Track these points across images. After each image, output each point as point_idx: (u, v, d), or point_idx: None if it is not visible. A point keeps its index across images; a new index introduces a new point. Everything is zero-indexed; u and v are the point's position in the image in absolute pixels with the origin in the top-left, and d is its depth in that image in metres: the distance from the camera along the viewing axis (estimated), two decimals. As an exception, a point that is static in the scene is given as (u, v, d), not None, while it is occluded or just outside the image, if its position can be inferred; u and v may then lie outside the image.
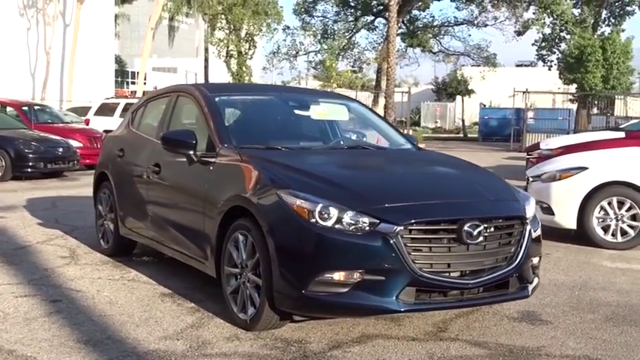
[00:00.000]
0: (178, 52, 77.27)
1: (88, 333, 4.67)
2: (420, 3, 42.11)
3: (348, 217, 4.28)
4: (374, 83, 44.81)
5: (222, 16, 42.91)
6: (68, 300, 5.47)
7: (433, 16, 44.61)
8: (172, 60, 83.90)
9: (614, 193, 8.09)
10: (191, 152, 5.40)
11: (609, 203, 8.08)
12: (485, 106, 43.94)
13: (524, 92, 33.48)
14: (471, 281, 4.44)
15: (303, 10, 44.88)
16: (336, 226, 4.28)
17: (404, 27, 43.76)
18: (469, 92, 50.65)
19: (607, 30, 38.10)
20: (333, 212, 4.29)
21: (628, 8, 38.20)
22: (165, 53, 78.44)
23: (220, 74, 60.21)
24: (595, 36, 36.33)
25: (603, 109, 34.14)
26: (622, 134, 11.17)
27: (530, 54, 52.48)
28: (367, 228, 4.26)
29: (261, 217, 4.53)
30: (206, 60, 45.80)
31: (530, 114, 34.19)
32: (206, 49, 46.07)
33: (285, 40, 45.83)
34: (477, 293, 4.52)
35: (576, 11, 38.65)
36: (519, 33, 41.90)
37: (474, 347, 4.51)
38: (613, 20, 38.75)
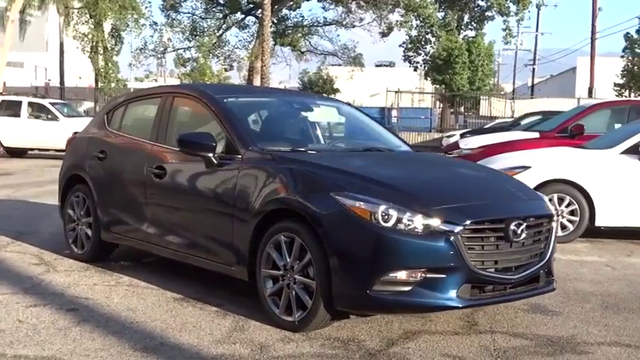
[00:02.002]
0: (25, 46, 73.68)
1: (137, 340, 4.57)
2: (291, 2, 42.48)
3: (408, 218, 4.45)
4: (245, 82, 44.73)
5: (85, 10, 41.29)
6: (84, 309, 5.29)
7: (302, 16, 45.13)
8: (19, 54, 79.84)
9: (555, 190, 8.68)
10: (211, 155, 5.36)
11: (550, 200, 8.61)
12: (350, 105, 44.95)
13: (396, 92, 34.68)
14: (514, 277, 4.73)
15: (169, 6, 44.02)
16: (398, 226, 4.43)
17: (273, 26, 44.00)
18: (335, 91, 51.70)
19: (470, 33, 40.14)
20: (394, 213, 4.44)
21: (487, 13, 40.35)
22: (10, 47, 74.45)
23: (75, 70, 57.98)
24: (460, 39, 38.17)
25: (470, 108, 36.00)
26: (536, 134, 11.91)
27: (392, 55, 54.25)
28: (429, 228, 4.44)
29: (315, 220, 4.60)
30: (62, 55, 43.73)
31: (395, 113, 35.53)
32: (61, 44, 44.01)
33: (152, 37, 44.58)
34: (516, 288, 4.81)
35: (440, 14, 40.40)
36: (384, 34, 43.20)
37: (516, 339, 4.80)
38: (474, 24, 40.84)
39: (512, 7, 38.44)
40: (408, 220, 4.44)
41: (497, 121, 28.96)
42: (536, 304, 5.68)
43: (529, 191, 5.33)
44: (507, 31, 39.11)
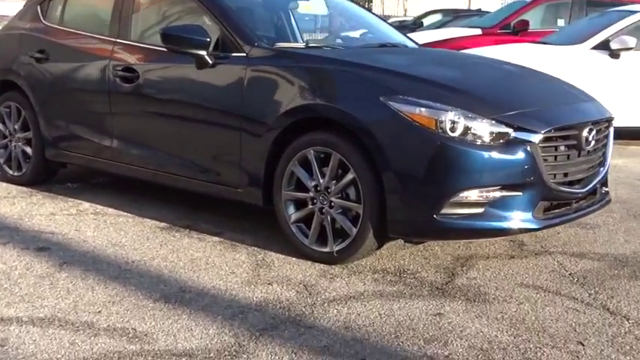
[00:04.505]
0: None
1: (148, 287, 3.68)
2: None
3: (479, 125, 3.69)
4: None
5: None
6: (57, 247, 4.30)
7: None
8: None
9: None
10: (204, 53, 4.36)
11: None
12: None
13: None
14: (581, 190, 4.12)
15: None
16: (468, 137, 3.67)
17: None
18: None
19: None
20: (463, 121, 3.67)
21: None
22: None
23: None
24: None
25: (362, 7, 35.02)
26: (478, 31, 11.31)
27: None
28: (504, 138, 3.71)
29: (363, 132, 3.77)
30: None
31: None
32: None
33: None
34: (580, 203, 4.20)
35: None
36: None
37: (582, 260, 4.23)
38: None
39: None
40: (480, 128, 3.68)
41: (391, 20, 28.34)
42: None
43: (582, 91, 4.66)
44: None
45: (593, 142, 4.08)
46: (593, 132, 4.06)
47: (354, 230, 3.88)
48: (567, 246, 4.44)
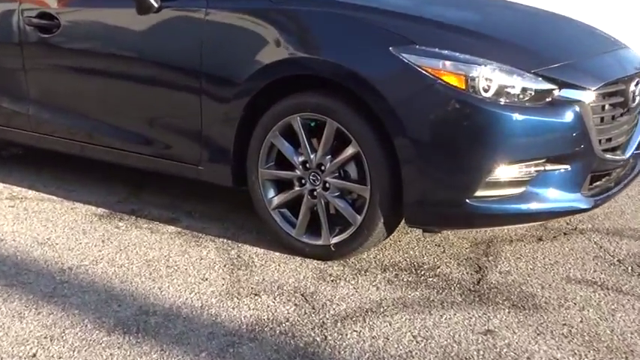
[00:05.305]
0: None
1: (98, 310, 2.74)
2: None
3: (520, 82, 2.88)
4: None
5: None
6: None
7: None
8: None
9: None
10: (148, -7, 3.38)
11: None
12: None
13: None
14: (623, 156, 3.38)
15: None
16: (505, 97, 2.86)
17: None
18: None
19: None
20: (499, 77, 2.84)
21: None
22: None
23: None
24: None
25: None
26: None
27: None
28: (549, 97, 2.91)
29: (369, 92, 2.90)
30: None
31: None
32: None
33: None
34: (618, 172, 3.48)
35: None
36: None
37: (622, 240, 3.54)
38: None
39: None
40: (521, 86, 2.86)
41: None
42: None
43: (614, 37, 3.89)
44: None
45: (638, 99, 3.33)
46: (639, 86, 3.31)
47: (359, 218, 3.04)
48: (595, 221, 3.74)
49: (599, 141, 3.10)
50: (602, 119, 3.12)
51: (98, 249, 3.29)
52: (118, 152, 3.75)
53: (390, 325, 2.64)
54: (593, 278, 3.05)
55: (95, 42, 3.68)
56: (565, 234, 3.55)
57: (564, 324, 2.66)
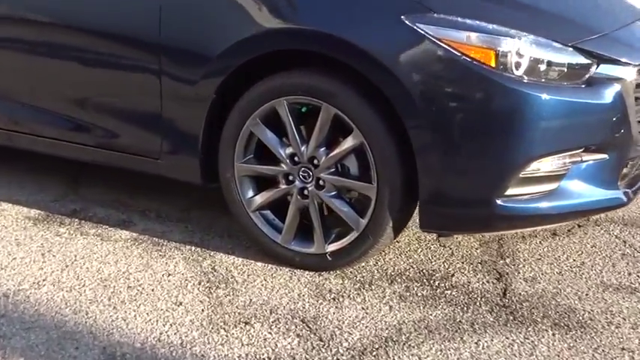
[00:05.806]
0: None
1: (49, 357, 2.14)
2: None
3: (556, 57, 2.41)
4: None
5: None
6: None
7: None
8: None
9: None
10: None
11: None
12: None
13: None
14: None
15: None
16: (538, 75, 2.38)
17: None
18: None
19: None
20: (532, 51, 2.36)
21: None
22: None
23: None
24: None
25: None
26: None
27: None
28: (586, 74, 2.45)
29: (374, 70, 2.37)
30: None
31: None
32: None
33: None
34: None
35: None
36: None
37: (644, 231, 3.13)
38: None
39: None
40: (557, 61, 2.38)
41: None
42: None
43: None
44: None
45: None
46: (673, 61, 2.88)
47: (362, 222, 2.53)
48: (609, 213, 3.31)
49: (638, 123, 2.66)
50: (637, 99, 2.67)
51: (38, 266, 2.67)
52: (50, 142, 3.12)
53: (419, 359, 2.14)
54: (631, 283, 2.64)
55: (18, 3, 3.01)
56: (580, 226, 3.13)
57: (622, 348, 2.23)
